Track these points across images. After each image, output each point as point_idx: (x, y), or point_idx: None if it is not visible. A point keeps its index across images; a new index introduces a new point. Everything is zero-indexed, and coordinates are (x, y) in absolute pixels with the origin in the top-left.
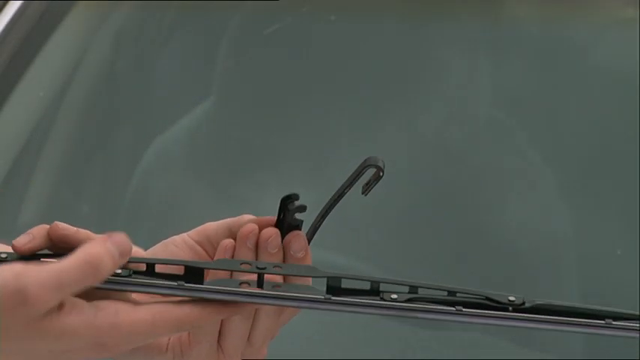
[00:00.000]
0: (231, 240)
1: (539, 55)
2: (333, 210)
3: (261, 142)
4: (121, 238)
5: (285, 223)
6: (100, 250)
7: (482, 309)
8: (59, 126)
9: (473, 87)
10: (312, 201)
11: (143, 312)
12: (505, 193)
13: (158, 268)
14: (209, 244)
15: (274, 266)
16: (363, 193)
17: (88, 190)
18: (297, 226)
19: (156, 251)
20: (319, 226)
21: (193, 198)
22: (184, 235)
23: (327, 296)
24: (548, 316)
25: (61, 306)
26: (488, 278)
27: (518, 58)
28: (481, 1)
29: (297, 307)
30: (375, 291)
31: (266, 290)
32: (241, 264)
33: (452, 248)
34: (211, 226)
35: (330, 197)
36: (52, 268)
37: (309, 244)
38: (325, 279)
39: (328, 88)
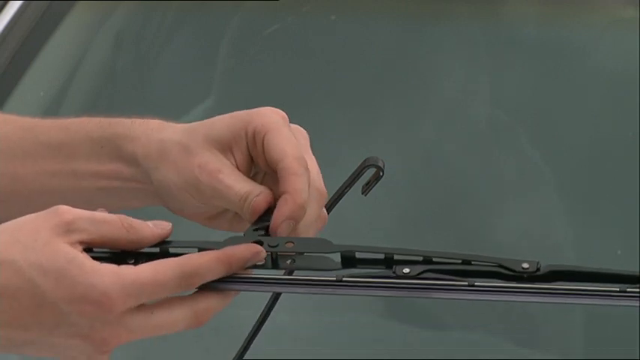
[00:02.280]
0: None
1: (538, 56)
2: (332, 210)
3: None
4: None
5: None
6: (197, 265)
7: (495, 279)
8: None
9: (472, 87)
10: None
11: (145, 267)
12: (505, 193)
13: (173, 249)
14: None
15: (286, 242)
16: (363, 193)
17: None
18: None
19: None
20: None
21: None
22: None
23: (340, 275)
24: (563, 285)
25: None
26: None
27: (518, 59)
28: (481, 2)
29: (311, 292)
30: (389, 260)
31: (281, 273)
32: (252, 242)
33: (452, 247)
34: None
35: (329, 197)
36: (144, 276)
37: None
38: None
39: (328, 88)
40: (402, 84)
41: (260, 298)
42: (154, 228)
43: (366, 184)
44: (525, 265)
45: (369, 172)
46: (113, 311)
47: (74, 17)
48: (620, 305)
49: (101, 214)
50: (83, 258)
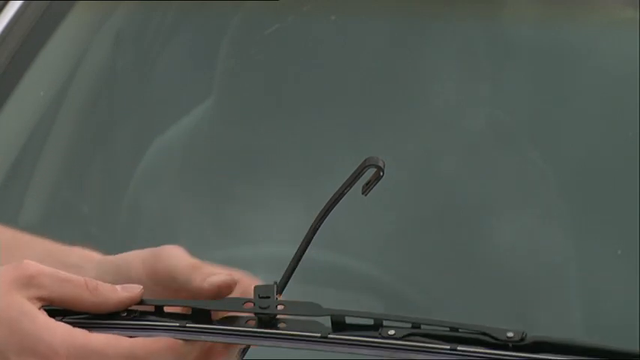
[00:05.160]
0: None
1: (538, 56)
2: (333, 210)
3: (261, 142)
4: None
5: None
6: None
7: (480, 346)
8: (59, 126)
9: (473, 88)
10: (311, 201)
11: (99, 336)
12: (505, 193)
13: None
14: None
15: (277, 305)
16: (363, 193)
17: (88, 190)
18: None
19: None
20: (319, 226)
21: (194, 198)
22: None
23: (325, 334)
24: (548, 356)
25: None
26: (488, 276)
27: (518, 59)
28: (481, 2)
29: (297, 347)
30: (377, 327)
31: (267, 329)
32: (244, 303)
33: (453, 245)
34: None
35: (330, 197)
36: (95, 344)
37: (308, 244)
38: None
39: (328, 88)
40: (402, 84)
41: None
42: (121, 292)
43: (367, 184)
44: (510, 334)
45: (369, 172)
46: None
47: (74, 17)
48: None
49: (66, 274)
50: (37, 312)
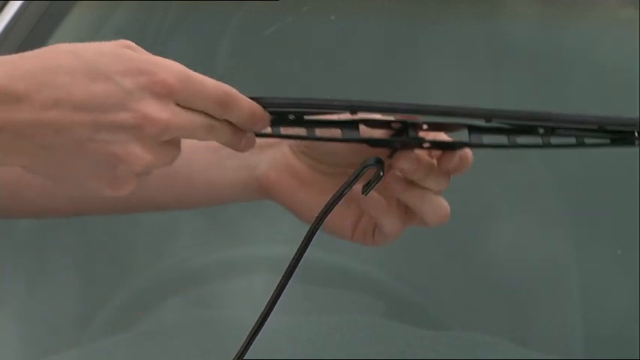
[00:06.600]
0: None
1: (538, 56)
2: (333, 210)
3: None
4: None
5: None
6: (244, 102)
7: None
8: None
9: (472, 88)
10: None
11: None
12: (505, 193)
13: None
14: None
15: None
16: (363, 193)
17: None
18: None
19: None
20: (319, 226)
21: None
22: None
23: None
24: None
25: None
26: (488, 276)
27: (517, 59)
28: (481, 2)
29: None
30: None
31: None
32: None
33: (453, 246)
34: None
35: (329, 197)
36: (194, 73)
37: (308, 244)
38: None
39: (328, 88)
40: (402, 84)
41: (260, 298)
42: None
43: (367, 184)
44: None
45: (369, 172)
46: (165, 87)
47: (74, 17)
48: None
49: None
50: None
